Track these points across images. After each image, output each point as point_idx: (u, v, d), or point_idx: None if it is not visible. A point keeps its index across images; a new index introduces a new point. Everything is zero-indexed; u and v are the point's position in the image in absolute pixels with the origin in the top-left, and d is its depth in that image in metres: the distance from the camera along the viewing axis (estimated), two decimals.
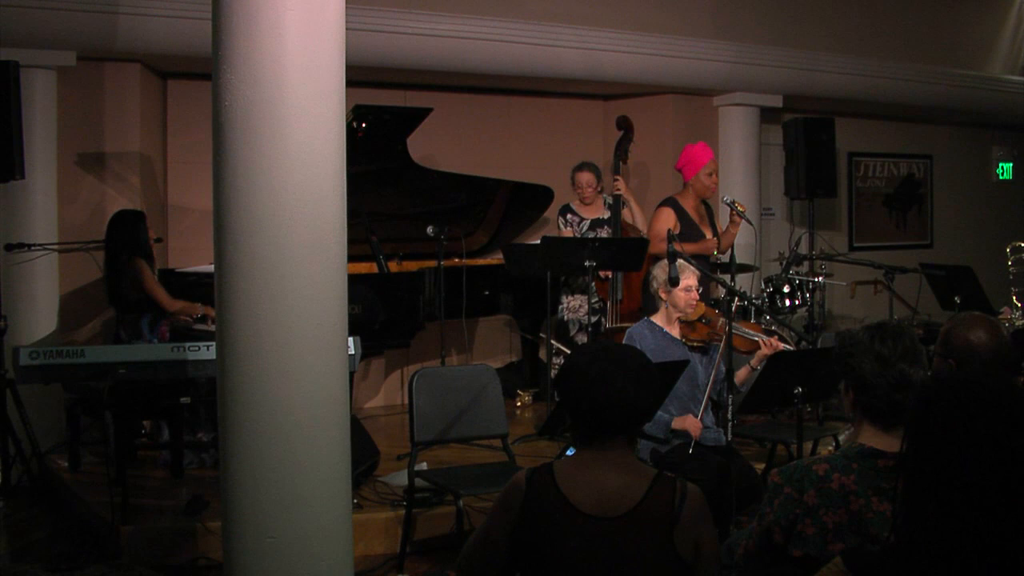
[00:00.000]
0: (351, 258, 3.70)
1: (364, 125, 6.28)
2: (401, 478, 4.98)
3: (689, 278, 4.86)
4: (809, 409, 6.13)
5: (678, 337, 4.92)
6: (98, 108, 6.43)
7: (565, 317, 6.90)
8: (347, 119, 3.77)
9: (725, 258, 6.37)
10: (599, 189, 7.00)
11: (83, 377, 4.86)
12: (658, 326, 4.94)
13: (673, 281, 4.74)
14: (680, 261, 4.81)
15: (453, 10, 6.89)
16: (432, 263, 6.57)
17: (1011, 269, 7.39)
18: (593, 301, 6.54)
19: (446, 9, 6.86)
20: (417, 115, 6.61)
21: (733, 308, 4.76)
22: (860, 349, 2.49)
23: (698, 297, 4.93)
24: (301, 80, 3.30)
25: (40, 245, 6.07)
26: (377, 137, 6.41)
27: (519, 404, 7.26)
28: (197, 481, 5.38)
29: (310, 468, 3.37)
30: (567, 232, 6.94)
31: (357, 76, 4.66)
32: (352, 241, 3.66)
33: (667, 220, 6.39)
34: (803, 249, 7.97)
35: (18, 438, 5.34)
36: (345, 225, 3.50)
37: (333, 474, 3.45)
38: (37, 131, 5.97)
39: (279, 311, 3.31)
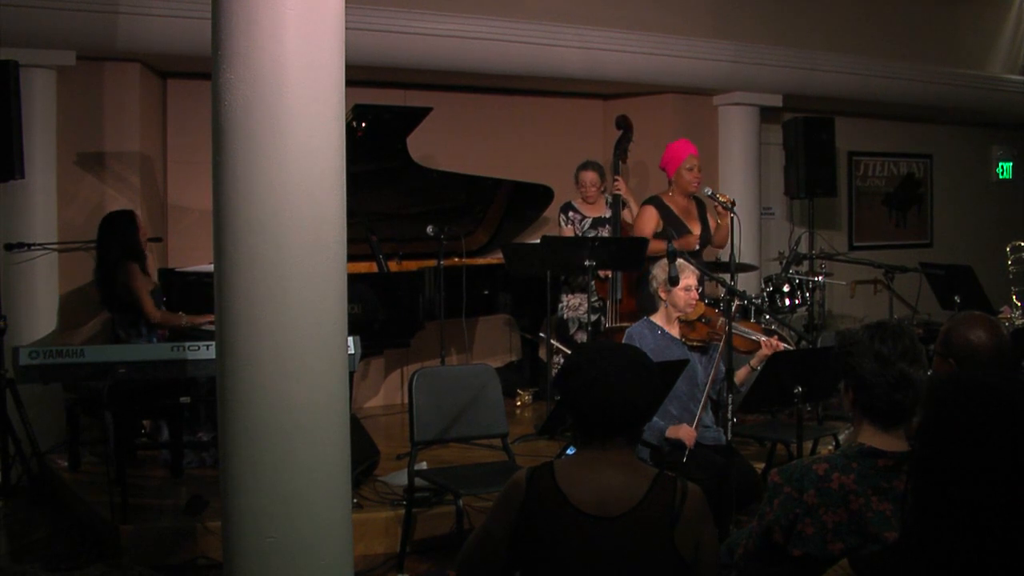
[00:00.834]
0: (351, 258, 3.70)
1: (364, 124, 6.28)
2: (401, 478, 4.98)
3: (689, 277, 4.86)
4: (809, 408, 6.13)
5: (678, 337, 4.92)
6: (98, 108, 6.43)
7: (565, 315, 6.91)
8: (347, 118, 3.77)
9: (725, 256, 6.36)
10: (602, 189, 7.01)
11: (83, 377, 4.86)
12: (658, 326, 4.94)
13: (673, 280, 4.74)
14: (680, 260, 4.81)
15: (453, 10, 6.88)
16: (432, 263, 6.57)
17: (1011, 268, 7.39)
18: (593, 300, 6.54)
19: (446, 9, 6.86)
20: (417, 114, 6.61)
21: (733, 308, 4.76)
22: (860, 349, 2.49)
23: (698, 297, 4.93)
24: (301, 80, 3.30)
25: (40, 245, 6.06)
26: (377, 136, 6.41)
27: (519, 404, 7.26)
28: (197, 481, 5.37)
29: (310, 468, 3.37)
30: (568, 230, 6.94)
31: (357, 76, 4.66)
32: (352, 241, 3.66)
33: (650, 219, 6.39)
34: (803, 248, 7.98)
35: (18, 438, 5.34)
36: (345, 225, 3.50)
37: (333, 474, 3.45)
38: (37, 131, 5.96)
39: (279, 311, 3.31)
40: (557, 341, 6.75)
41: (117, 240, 5.79)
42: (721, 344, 4.77)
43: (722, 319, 4.82)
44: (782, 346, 4.91)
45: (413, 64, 6.94)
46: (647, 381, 2.51)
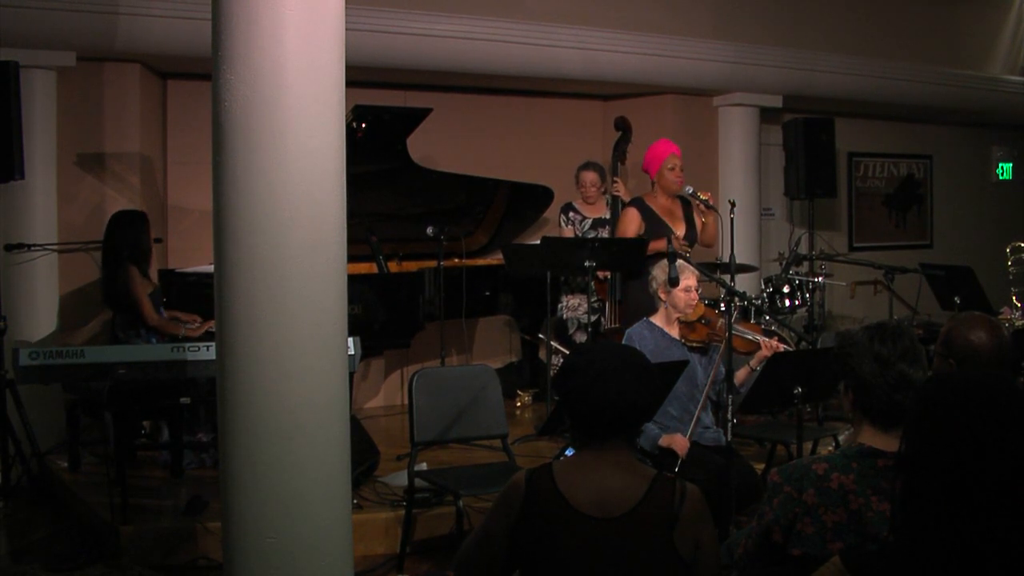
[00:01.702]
0: (351, 258, 3.70)
1: (364, 125, 6.28)
2: (401, 478, 4.98)
3: (689, 278, 4.85)
4: (809, 409, 6.13)
5: (677, 338, 4.92)
6: (98, 108, 6.43)
7: (564, 316, 6.91)
8: (347, 119, 3.77)
9: (724, 256, 6.36)
10: (603, 189, 7.01)
11: (83, 377, 4.86)
12: (657, 327, 4.93)
13: (673, 281, 4.74)
14: (680, 261, 4.81)
15: (452, 10, 6.89)
16: (432, 263, 6.57)
17: (1011, 269, 7.39)
18: (592, 301, 6.54)
19: (446, 9, 6.86)
20: (417, 115, 6.61)
21: (733, 309, 4.75)
22: (860, 350, 2.49)
23: (697, 298, 4.93)
24: (301, 80, 3.30)
25: (40, 245, 6.06)
26: (377, 137, 6.41)
27: (519, 404, 7.26)
28: (197, 481, 5.38)
29: (310, 468, 3.37)
30: (568, 230, 6.95)
31: (357, 76, 4.65)
32: (352, 241, 3.66)
33: (631, 221, 6.37)
34: (803, 249, 7.98)
35: (18, 438, 5.34)
36: (345, 225, 3.50)
37: (333, 474, 3.45)
38: (37, 131, 5.96)
39: (279, 311, 3.31)
40: (556, 342, 6.75)
41: (126, 240, 5.79)
42: (721, 345, 4.77)
43: (722, 320, 4.82)
44: (782, 347, 4.91)
45: (413, 65, 6.94)
46: (646, 382, 2.51)
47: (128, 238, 5.79)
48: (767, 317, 6.44)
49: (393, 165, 6.68)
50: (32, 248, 6.03)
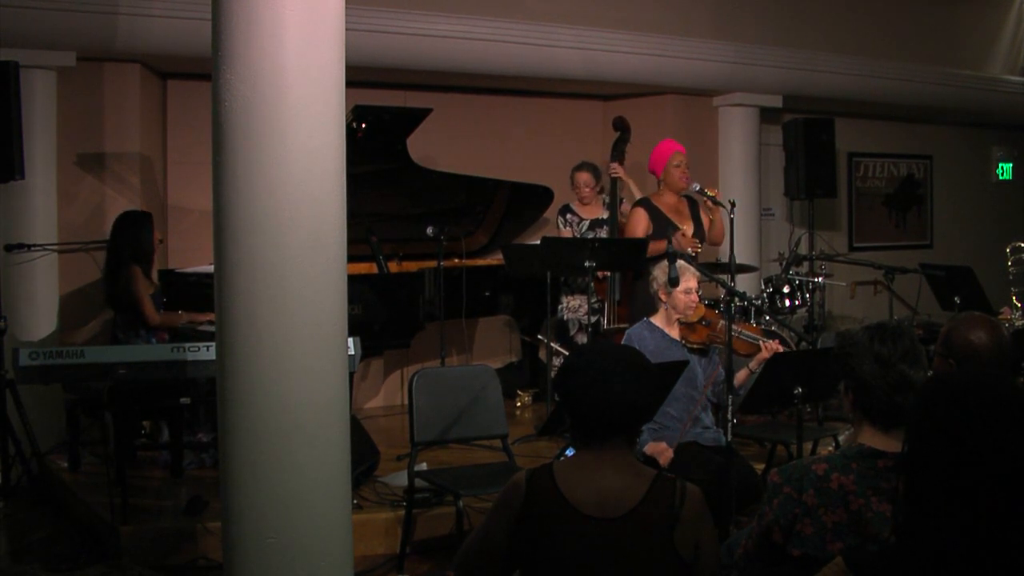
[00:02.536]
0: (351, 258, 3.70)
1: (364, 125, 6.28)
2: (401, 478, 4.98)
3: (689, 280, 4.85)
4: (809, 409, 6.13)
5: (677, 339, 4.92)
6: (98, 108, 6.43)
7: (565, 317, 6.91)
8: (347, 119, 3.77)
9: (724, 256, 6.36)
10: (598, 189, 7.01)
11: (83, 377, 4.86)
12: (657, 327, 4.93)
13: (673, 282, 4.74)
14: (680, 262, 4.80)
15: (452, 11, 6.88)
16: (432, 263, 6.56)
17: (1011, 269, 7.39)
18: (592, 301, 6.54)
19: (445, 10, 6.86)
20: (417, 115, 6.61)
21: (733, 309, 4.75)
22: (860, 350, 2.49)
23: (698, 299, 4.93)
24: (301, 80, 3.30)
25: (40, 246, 6.06)
26: (377, 137, 6.41)
27: (519, 404, 7.26)
28: (197, 481, 5.38)
29: (310, 468, 3.37)
30: (566, 232, 6.95)
31: (357, 76, 4.65)
32: (352, 241, 3.66)
33: (639, 221, 6.37)
34: (803, 249, 7.98)
35: (18, 438, 5.33)
36: (345, 225, 3.50)
37: (333, 474, 3.45)
38: (37, 131, 5.96)
39: (279, 311, 3.31)
40: (557, 343, 6.75)
41: (129, 241, 5.80)
42: (721, 347, 4.77)
43: (722, 321, 4.82)
44: (781, 349, 4.91)
45: (413, 65, 6.94)
46: (646, 382, 2.51)
47: (132, 239, 5.81)
48: (767, 317, 6.44)
49: (393, 165, 6.68)
50: (32, 248, 6.03)
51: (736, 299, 4.84)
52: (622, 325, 6.42)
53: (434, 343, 6.71)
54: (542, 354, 7.19)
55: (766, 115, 8.49)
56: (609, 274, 6.70)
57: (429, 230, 6.42)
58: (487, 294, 6.94)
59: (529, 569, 2.47)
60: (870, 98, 8.81)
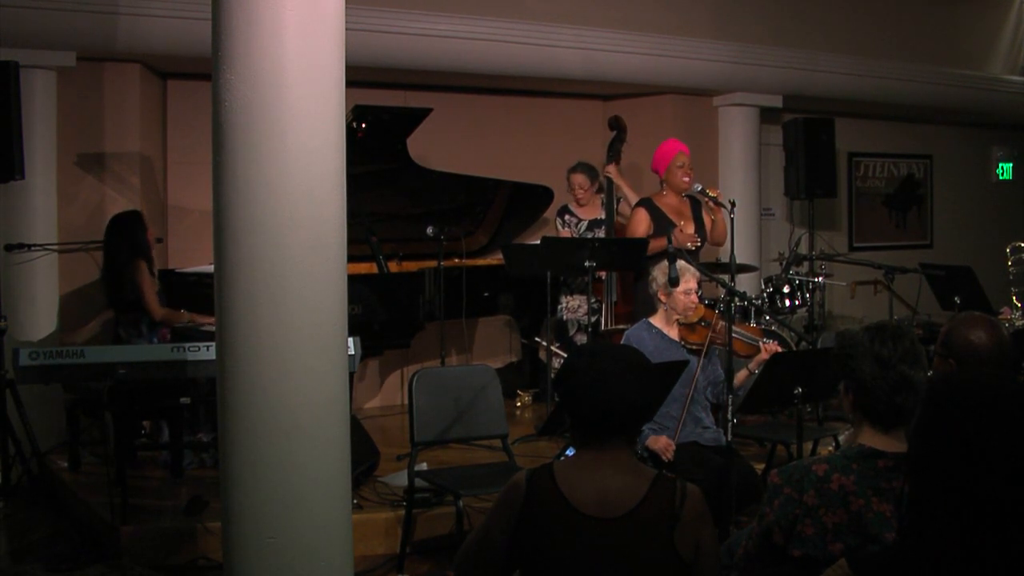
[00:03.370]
0: (351, 258, 3.70)
1: (364, 125, 6.28)
2: (401, 478, 4.98)
3: (689, 280, 4.85)
4: (809, 409, 6.13)
5: (676, 339, 4.91)
6: (98, 108, 6.43)
7: (564, 317, 6.91)
8: (347, 119, 3.77)
9: (724, 256, 6.35)
10: (595, 189, 7.01)
11: (83, 377, 4.86)
12: (656, 328, 4.93)
13: (673, 282, 4.73)
14: (680, 262, 4.80)
15: (453, 10, 6.88)
16: (432, 263, 6.56)
17: (1011, 269, 7.39)
18: (591, 301, 6.55)
19: (446, 9, 6.86)
20: (417, 115, 6.61)
21: (733, 309, 4.74)
22: (860, 351, 2.49)
23: (697, 300, 4.92)
24: (301, 80, 3.30)
25: (40, 245, 6.06)
26: (377, 137, 6.41)
27: (519, 404, 7.26)
28: (197, 481, 5.37)
29: (310, 468, 3.37)
30: (565, 233, 6.95)
31: (357, 76, 4.65)
32: (352, 241, 3.66)
33: (641, 221, 6.37)
34: (803, 249, 7.98)
35: (18, 438, 5.33)
36: (345, 225, 3.50)
37: (333, 474, 3.45)
38: (37, 131, 5.96)
39: (279, 311, 3.31)
40: (557, 344, 6.75)
41: (126, 240, 5.82)
42: (721, 347, 4.76)
43: (722, 322, 4.81)
44: (780, 350, 4.91)
45: (413, 65, 6.94)
46: (646, 382, 2.51)
47: (130, 238, 5.82)
48: (767, 317, 6.44)
49: (393, 165, 6.68)
50: (32, 248, 6.03)
51: (736, 299, 4.83)
52: (621, 326, 6.42)
53: (434, 343, 6.71)
54: (542, 354, 7.19)
55: (766, 115, 8.49)
56: (606, 274, 6.70)
57: (429, 230, 6.42)
58: (487, 294, 6.94)
59: (529, 569, 2.47)
60: (870, 98, 8.81)
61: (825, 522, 2.38)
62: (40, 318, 6.13)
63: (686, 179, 6.38)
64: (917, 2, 9.17)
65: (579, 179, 6.95)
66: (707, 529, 2.46)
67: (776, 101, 8.37)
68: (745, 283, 7.47)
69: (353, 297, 4.02)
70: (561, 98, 8.29)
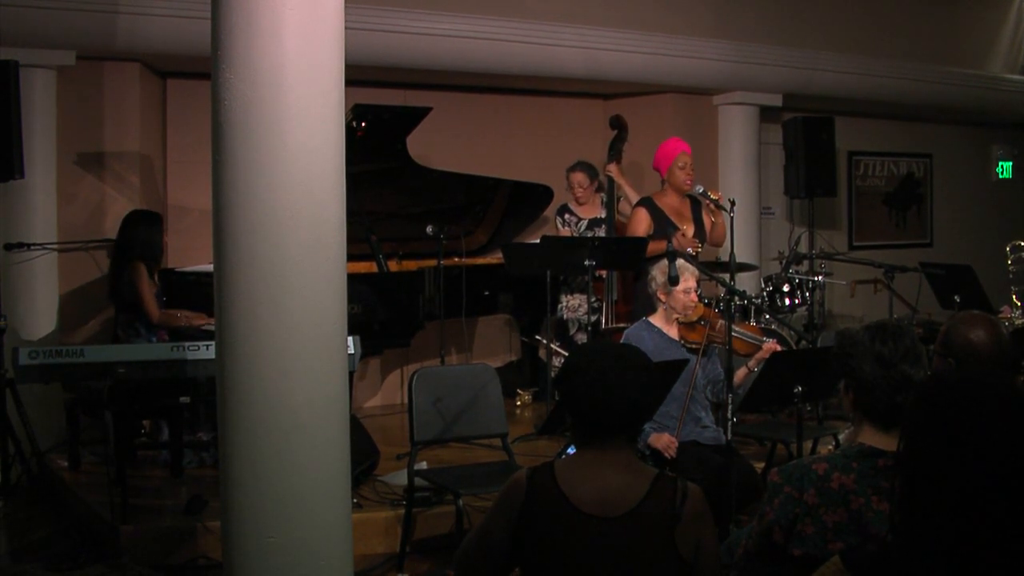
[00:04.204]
0: (350, 257, 3.70)
1: (363, 124, 6.28)
2: (401, 477, 4.97)
3: (688, 279, 4.84)
4: (809, 408, 6.12)
5: (676, 338, 4.91)
6: (97, 108, 6.43)
7: (565, 316, 6.91)
8: (346, 118, 3.77)
9: (725, 254, 6.35)
10: (595, 188, 7.01)
11: (83, 377, 4.86)
12: (656, 327, 4.93)
13: (672, 281, 4.73)
14: (680, 261, 4.80)
15: (453, 9, 6.88)
16: (432, 262, 6.56)
17: (1011, 268, 7.39)
18: (592, 300, 6.55)
19: (446, 8, 6.86)
20: (416, 114, 6.61)
21: (733, 308, 4.74)
22: (860, 350, 2.49)
23: (697, 299, 4.92)
24: (300, 79, 3.30)
25: (40, 245, 6.07)
26: (376, 136, 6.41)
27: (519, 403, 7.26)
28: (197, 481, 5.37)
29: (310, 467, 3.37)
30: (565, 232, 6.95)
31: (356, 75, 4.65)
32: (352, 240, 3.66)
33: (641, 221, 6.37)
34: (803, 248, 7.98)
35: (18, 438, 5.33)
36: (345, 224, 3.50)
37: (333, 473, 3.45)
38: (36, 130, 5.96)
39: (279, 310, 3.31)
40: (557, 343, 6.75)
41: (142, 238, 5.81)
42: (720, 346, 4.76)
43: (721, 321, 4.81)
44: (779, 348, 4.91)
45: (413, 64, 6.94)
46: (647, 381, 2.51)
47: (146, 237, 5.83)
48: (767, 316, 6.44)
49: (393, 164, 6.68)
50: (32, 247, 6.03)
51: (736, 298, 4.83)
52: (621, 324, 6.42)
53: (434, 342, 6.71)
54: (542, 353, 7.19)
55: (766, 114, 8.49)
56: (606, 273, 6.70)
57: (429, 229, 6.42)
58: (487, 293, 6.94)
59: (529, 568, 2.47)
60: (870, 97, 8.81)
61: (825, 521, 2.38)
62: (40, 317, 6.13)
63: (687, 180, 6.38)
64: (917, 1, 9.17)
65: (578, 178, 6.95)
66: (708, 529, 2.46)
67: (776, 100, 8.37)
68: (745, 282, 7.47)
69: (353, 296, 4.02)
70: (561, 97, 8.29)
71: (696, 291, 4.91)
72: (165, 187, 7.08)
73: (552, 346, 6.68)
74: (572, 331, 6.86)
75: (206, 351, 4.77)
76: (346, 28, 3.50)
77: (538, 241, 6.41)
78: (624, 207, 6.95)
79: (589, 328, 6.52)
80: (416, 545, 4.85)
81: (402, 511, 4.76)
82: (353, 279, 3.94)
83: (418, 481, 4.69)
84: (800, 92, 8.42)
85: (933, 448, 1.80)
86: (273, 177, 3.28)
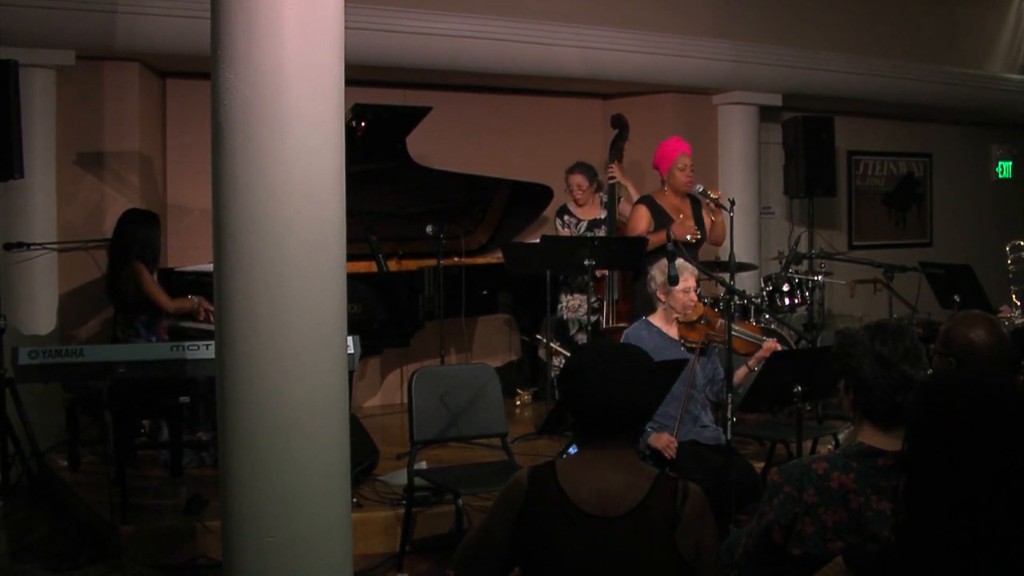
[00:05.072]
0: (350, 257, 3.70)
1: (363, 124, 6.27)
2: (400, 477, 4.97)
3: (688, 278, 4.84)
4: (808, 408, 6.12)
5: (676, 338, 4.91)
6: (97, 107, 6.43)
7: (565, 316, 6.91)
8: (346, 118, 3.77)
9: (724, 254, 6.35)
10: (594, 189, 7.01)
11: (82, 376, 4.85)
12: (655, 327, 4.92)
13: (672, 280, 4.72)
14: (679, 261, 4.80)
15: (452, 9, 6.88)
16: (431, 262, 6.56)
17: (1010, 268, 7.39)
18: (592, 301, 6.54)
19: (445, 8, 6.86)
20: (416, 114, 6.61)
21: (733, 308, 4.74)
22: (860, 350, 2.49)
23: (696, 298, 4.92)
24: (300, 79, 3.30)
25: (39, 244, 6.07)
26: (376, 136, 6.40)
27: (518, 403, 7.25)
28: (196, 480, 5.37)
29: (310, 467, 3.37)
30: (564, 232, 6.95)
31: (356, 75, 4.65)
32: (351, 240, 3.66)
33: (641, 219, 6.37)
34: (803, 248, 7.97)
35: (17, 438, 5.33)
36: (344, 224, 3.50)
37: (332, 473, 3.45)
38: (36, 130, 5.97)
39: (278, 310, 3.31)
40: (558, 343, 6.75)
41: (140, 238, 5.80)
42: (720, 346, 4.76)
43: (721, 320, 4.81)
44: (779, 348, 4.91)
45: (412, 63, 6.94)
46: (648, 380, 2.51)
47: (140, 236, 5.81)
48: (767, 316, 6.44)
49: (393, 164, 6.68)
50: (32, 247, 6.03)
51: (736, 298, 4.83)
52: (621, 324, 6.42)
53: (433, 342, 6.71)
54: (542, 353, 7.19)
55: (766, 113, 8.48)
56: (607, 273, 6.70)
57: (428, 229, 6.42)
58: (486, 293, 6.94)
59: (529, 567, 2.47)
60: (870, 96, 8.81)
61: (825, 520, 2.38)
62: (39, 317, 6.13)
63: (687, 182, 6.39)
64: (917, 1, 9.17)
65: (577, 180, 6.95)
66: (708, 529, 2.46)
67: (776, 99, 8.37)
68: (745, 281, 7.47)
69: (352, 296, 4.02)
70: (561, 97, 8.29)
71: (696, 290, 4.91)
72: (165, 187, 7.08)
73: (552, 345, 6.68)
74: (572, 331, 6.86)
75: (206, 351, 4.76)
76: (346, 28, 3.50)
77: (538, 241, 6.41)
78: (625, 207, 6.95)
79: (589, 328, 6.52)
80: (416, 545, 4.84)
81: (402, 511, 4.76)
82: (353, 279, 3.94)
83: (418, 481, 4.69)
84: (800, 92, 8.42)
85: (937, 448, 1.80)
86: (273, 177, 3.28)
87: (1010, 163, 10.91)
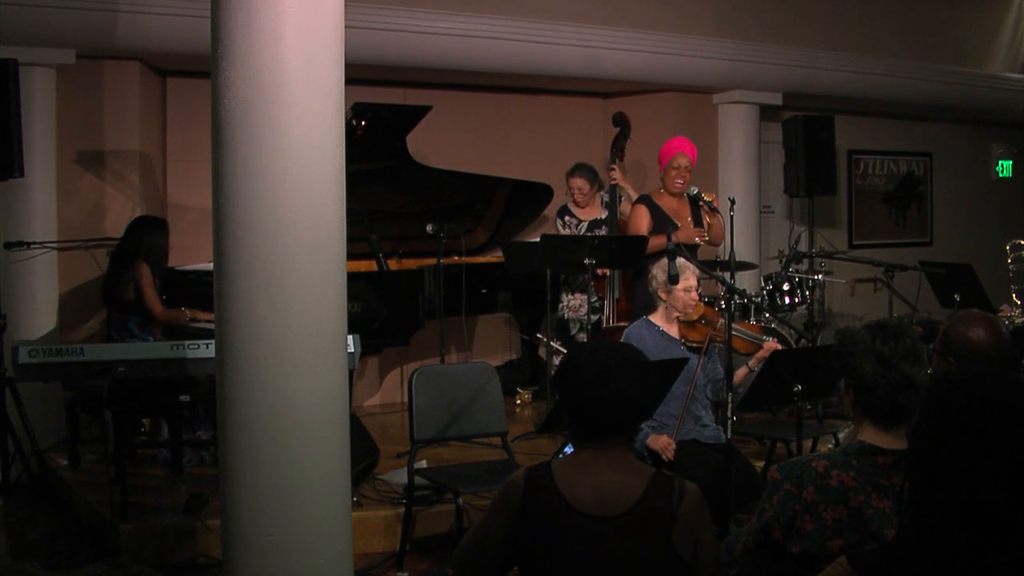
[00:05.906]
0: (350, 256, 3.70)
1: (363, 123, 6.27)
2: (401, 476, 4.98)
3: (689, 278, 4.84)
4: (809, 407, 6.13)
5: (676, 337, 4.91)
6: (97, 106, 6.43)
7: (565, 316, 6.90)
8: (346, 117, 3.77)
9: (724, 253, 6.35)
10: (595, 189, 7.00)
11: (82, 375, 4.85)
12: (656, 326, 4.92)
13: (673, 279, 4.72)
14: (680, 260, 4.79)
15: (453, 8, 6.88)
16: (431, 261, 6.56)
17: (1011, 267, 7.39)
18: (592, 300, 6.54)
19: (446, 7, 6.86)
20: (416, 113, 6.61)
21: (733, 307, 4.74)
22: (861, 349, 2.49)
23: (697, 297, 4.92)
24: (300, 78, 3.30)
25: (39, 243, 6.07)
26: (376, 135, 6.40)
27: (518, 402, 7.26)
28: (196, 479, 5.38)
29: (310, 466, 3.37)
30: (565, 233, 6.94)
31: (356, 74, 4.65)
32: (351, 239, 3.66)
33: (642, 218, 6.36)
34: (803, 247, 7.97)
35: (17, 436, 5.34)
36: (344, 223, 3.50)
37: (332, 472, 3.45)
38: (36, 129, 5.97)
39: (278, 309, 3.30)
40: (558, 342, 6.75)
41: (148, 244, 5.83)
42: (720, 345, 4.76)
43: (722, 320, 4.81)
44: (780, 347, 4.91)
45: (413, 62, 6.94)
46: (645, 380, 2.51)
47: (152, 242, 5.85)
48: (767, 315, 6.44)
49: (393, 163, 6.68)
50: (32, 246, 6.03)
51: (736, 297, 4.83)
52: (622, 323, 6.42)
53: (433, 341, 6.71)
54: (542, 351, 7.19)
55: (766, 112, 8.49)
56: (608, 272, 6.70)
57: (429, 228, 6.43)
58: (486, 292, 6.94)
59: (527, 567, 2.47)
60: (870, 95, 8.81)
61: (825, 518, 2.38)
62: (39, 316, 6.13)
63: (679, 182, 6.36)
64: (917, 1, 9.17)
65: (578, 183, 6.95)
66: (706, 527, 2.46)
67: (776, 99, 8.37)
68: (745, 281, 7.47)
69: (352, 295, 4.02)
70: (561, 96, 8.29)
71: (696, 290, 4.91)
72: (165, 186, 7.08)
73: (553, 344, 6.68)
74: (573, 331, 6.85)
75: (206, 350, 4.77)
76: (346, 27, 3.50)
77: (538, 240, 6.41)
78: (626, 207, 6.95)
79: (590, 328, 6.52)
80: (416, 544, 4.85)
81: (402, 510, 4.76)
82: (353, 278, 3.94)
83: (418, 480, 4.69)
84: (800, 91, 8.42)
85: (941, 447, 1.80)
86: (273, 175, 3.28)
87: (1010, 162, 10.91)
